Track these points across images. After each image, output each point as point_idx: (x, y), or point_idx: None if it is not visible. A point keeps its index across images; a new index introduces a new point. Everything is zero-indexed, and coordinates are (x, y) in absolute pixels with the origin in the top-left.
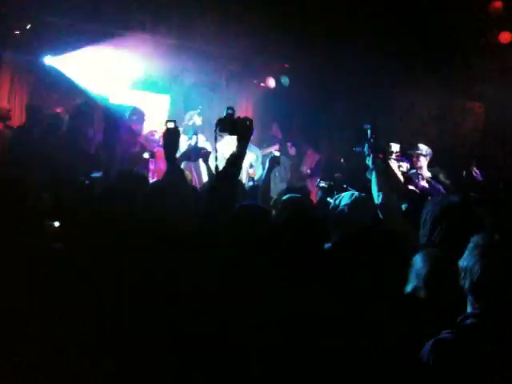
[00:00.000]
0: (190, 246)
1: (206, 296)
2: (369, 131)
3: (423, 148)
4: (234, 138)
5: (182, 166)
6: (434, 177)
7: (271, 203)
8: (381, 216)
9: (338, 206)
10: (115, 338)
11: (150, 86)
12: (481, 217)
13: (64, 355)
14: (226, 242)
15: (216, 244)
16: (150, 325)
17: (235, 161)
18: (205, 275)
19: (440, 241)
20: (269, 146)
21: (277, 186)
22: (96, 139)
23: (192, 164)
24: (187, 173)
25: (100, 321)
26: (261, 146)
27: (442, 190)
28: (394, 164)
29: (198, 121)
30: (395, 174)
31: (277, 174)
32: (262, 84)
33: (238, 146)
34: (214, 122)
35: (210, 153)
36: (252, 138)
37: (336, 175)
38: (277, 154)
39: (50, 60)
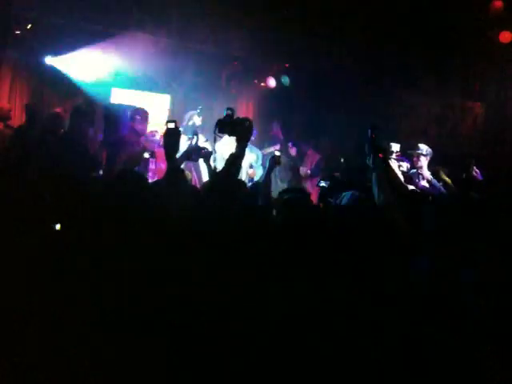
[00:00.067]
0: (189, 245)
1: (205, 296)
2: (369, 131)
3: (423, 148)
4: (233, 138)
5: (182, 166)
6: (435, 173)
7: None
8: (381, 216)
9: (339, 205)
10: (115, 338)
11: (150, 85)
12: None
13: (64, 355)
14: (225, 241)
15: (216, 244)
16: (150, 325)
17: (234, 161)
18: (205, 275)
19: None
20: (269, 145)
21: (277, 186)
22: (96, 139)
23: (192, 164)
24: (187, 172)
25: (100, 321)
26: (261, 146)
27: (443, 189)
28: (394, 164)
29: (197, 121)
30: (395, 173)
31: (277, 173)
32: (262, 84)
33: (237, 147)
34: (214, 122)
35: (211, 153)
36: (253, 138)
37: (336, 175)
38: (277, 153)
39: (50, 60)
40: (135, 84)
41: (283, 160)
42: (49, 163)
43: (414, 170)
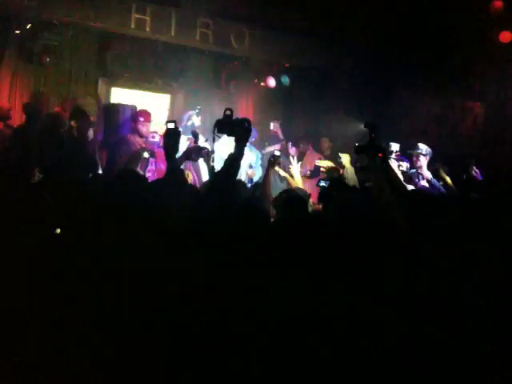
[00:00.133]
0: (189, 245)
1: (205, 296)
2: (368, 131)
3: (423, 147)
4: (232, 138)
5: (182, 166)
6: (435, 173)
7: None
8: (381, 216)
9: (339, 205)
10: (115, 338)
11: (150, 85)
12: None
13: (64, 355)
14: (225, 241)
15: (216, 244)
16: (150, 325)
17: (233, 162)
18: (205, 275)
19: None
20: (269, 145)
21: (277, 186)
22: (96, 139)
23: (191, 164)
24: (187, 172)
25: (100, 321)
26: (261, 145)
27: (443, 189)
28: (393, 163)
29: (196, 121)
30: (395, 173)
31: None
32: (262, 84)
33: (236, 147)
34: (213, 122)
35: (211, 152)
36: (253, 139)
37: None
38: (277, 153)
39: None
40: (135, 83)
41: (283, 160)
42: (49, 163)
43: (414, 170)
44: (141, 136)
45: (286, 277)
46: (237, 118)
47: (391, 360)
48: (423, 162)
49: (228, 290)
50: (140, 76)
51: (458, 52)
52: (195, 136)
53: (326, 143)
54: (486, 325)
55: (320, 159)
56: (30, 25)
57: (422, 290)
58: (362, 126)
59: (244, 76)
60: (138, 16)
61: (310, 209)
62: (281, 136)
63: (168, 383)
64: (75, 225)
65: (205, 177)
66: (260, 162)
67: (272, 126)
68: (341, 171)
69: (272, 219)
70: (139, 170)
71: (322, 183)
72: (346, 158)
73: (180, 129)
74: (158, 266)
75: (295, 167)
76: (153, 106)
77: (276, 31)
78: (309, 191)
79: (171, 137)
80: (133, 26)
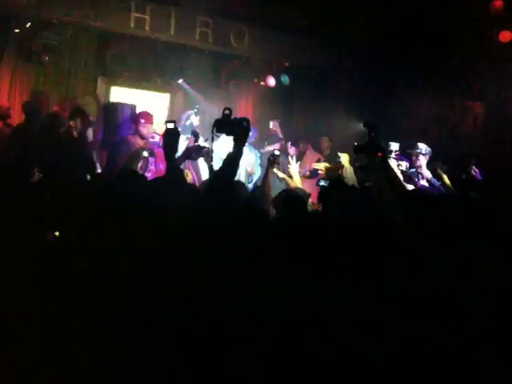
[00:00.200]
0: (189, 245)
1: (205, 296)
2: (368, 130)
3: (422, 147)
4: (231, 138)
5: (181, 166)
6: (433, 170)
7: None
8: (381, 215)
9: (339, 205)
10: (115, 338)
11: (149, 84)
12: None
13: (64, 355)
14: (225, 241)
15: (216, 244)
16: (150, 325)
17: (232, 161)
18: (205, 275)
19: None
20: (269, 144)
21: (276, 185)
22: (96, 139)
23: (191, 163)
24: (186, 171)
25: (100, 321)
26: (261, 144)
27: (442, 189)
28: (393, 163)
29: (195, 120)
30: (395, 173)
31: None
32: (261, 83)
33: (234, 147)
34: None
35: (211, 152)
36: (253, 139)
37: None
38: (277, 153)
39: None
40: (135, 83)
41: (282, 159)
42: (48, 162)
43: (414, 170)
44: (142, 138)
45: (286, 277)
46: (235, 118)
47: (391, 360)
48: (423, 161)
49: (228, 290)
50: (139, 75)
51: (458, 52)
52: (195, 135)
53: (325, 143)
54: (486, 325)
55: (320, 159)
56: (29, 24)
57: (422, 290)
58: (361, 126)
59: (244, 75)
60: (137, 15)
61: (309, 209)
62: (280, 135)
63: (168, 383)
64: (75, 225)
65: (204, 176)
66: (259, 162)
67: (271, 124)
68: (340, 171)
69: (272, 219)
70: (139, 170)
71: (322, 183)
72: (345, 158)
73: (179, 128)
74: (157, 265)
75: (294, 167)
76: (152, 105)
77: (276, 30)
78: (308, 191)
79: (171, 137)
80: (132, 25)
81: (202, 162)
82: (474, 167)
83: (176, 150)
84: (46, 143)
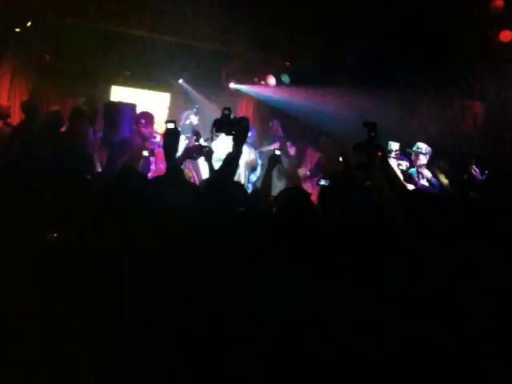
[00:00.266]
0: (189, 245)
1: (205, 296)
2: (368, 130)
3: (422, 146)
4: (230, 138)
5: (182, 165)
6: (430, 169)
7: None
8: (381, 215)
9: (338, 205)
10: (115, 338)
11: (150, 84)
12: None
13: (64, 355)
14: (225, 241)
15: (216, 244)
16: (150, 325)
17: (231, 161)
18: (205, 275)
19: None
20: (269, 144)
21: (274, 185)
22: (96, 138)
23: (191, 163)
24: (186, 171)
25: (100, 321)
26: (261, 144)
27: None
28: (393, 162)
29: (194, 120)
30: (395, 172)
31: (275, 172)
32: (262, 82)
33: (234, 146)
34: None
35: (212, 151)
36: (252, 138)
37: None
38: (277, 152)
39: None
40: (135, 82)
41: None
42: (48, 162)
43: (414, 169)
44: (143, 138)
45: (286, 277)
46: (235, 117)
47: (391, 360)
48: (423, 160)
49: (228, 290)
50: (140, 74)
51: (458, 52)
52: (197, 135)
53: (326, 142)
54: (486, 325)
55: (321, 158)
56: (29, 23)
57: (422, 290)
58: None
59: (244, 75)
60: (138, 14)
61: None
62: (281, 134)
63: (168, 383)
64: (75, 225)
65: (204, 176)
66: (260, 162)
67: (272, 123)
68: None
69: (272, 219)
70: (140, 170)
71: (323, 182)
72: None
73: (179, 128)
74: (158, 265)
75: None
76: (153, 105)
77: (276, 30)
78: (309, 191)
79: (171, 136)
80: (133, 25)
81: (202, 162)
82: (474, 166)
83: (176, 149)
84: (46, 142)
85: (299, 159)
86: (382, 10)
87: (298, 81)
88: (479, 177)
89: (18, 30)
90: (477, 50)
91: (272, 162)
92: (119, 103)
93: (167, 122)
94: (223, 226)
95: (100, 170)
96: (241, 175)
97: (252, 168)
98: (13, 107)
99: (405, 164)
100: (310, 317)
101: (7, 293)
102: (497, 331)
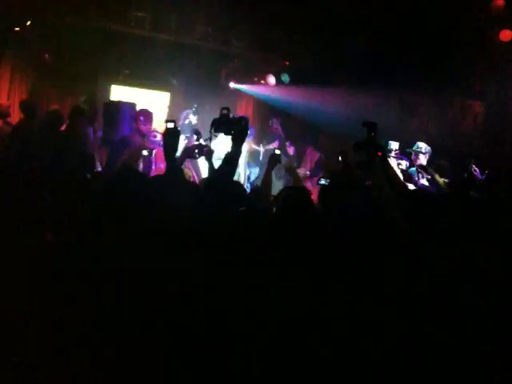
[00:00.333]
0: (189, 245)
1: (205, 296)
2: (368, 129)
3: (422, 146)
4: (229, 138)
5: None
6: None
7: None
8: (381, 215)
9: (338, 204)
10: (115, 338)
11: (150, 83)
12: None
13: (64, 355)
14: (225, 241)
15: (216, 243)
16: (150, 325)
17: (231, 160)
18: (205, 275)
19: None
20: (269, 143)
21: (274, 185)
22: (96, 138)
23: (191, 162)
24: (186, 170)
25: (100, 321)
26: (261, 143)
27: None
28: (393, 162)
29: (193, 119)
30: (394, 172)
31: (275, 171)
32: (262, 82)
33: (233, 146)
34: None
35: (212, 151)
36: (250, 137)
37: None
38: (277, 152)
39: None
40: (135, 81)
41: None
42: (48, 161)
43: (414, 168)
44: (141, 135)
45: (286, 277)
46: (234, 117)
47: (391, 360)
48: (422, 160)
49: (228, 290)
50: (140, 74)
51: (458, 52)
52: (198, 134)
53: (323, 140)
54: (486, 325)
55: (321, 157)
56: (29, 23)
57: (422, 290)
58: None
59: (244, 74)
60: (137, 14)
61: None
62: (281, 133)
63: (168, 383)
64: (75, 225)
65: (204, 175)
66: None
67: (272, 122)
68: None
69: (272, 218)
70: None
71: (322, 181)
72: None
73: (179, 128)
74: (158, 265)
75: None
76: (152, 104)
77: (276, 30)
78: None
79: (171, 136)
80: (133, 24)
81: (202, 161)
82: (474, 166)
83: (176, 149)
84: (45, 142)
85: (298, 159)
86: (382, 10)
87: (297, 80)
88: (479, 176)
89: (17, 29)
90: (477, 49)
91: (272, 161)
92: (119, 102)
93: (167, 121)
94: (223, 225)
95: (100, 169)
96: (240, 174)
97: (253, 157)
98: (12, 106)
99: (404, 163)
100: (310, 317)
101: (7, 293)
102: (497, 331)
